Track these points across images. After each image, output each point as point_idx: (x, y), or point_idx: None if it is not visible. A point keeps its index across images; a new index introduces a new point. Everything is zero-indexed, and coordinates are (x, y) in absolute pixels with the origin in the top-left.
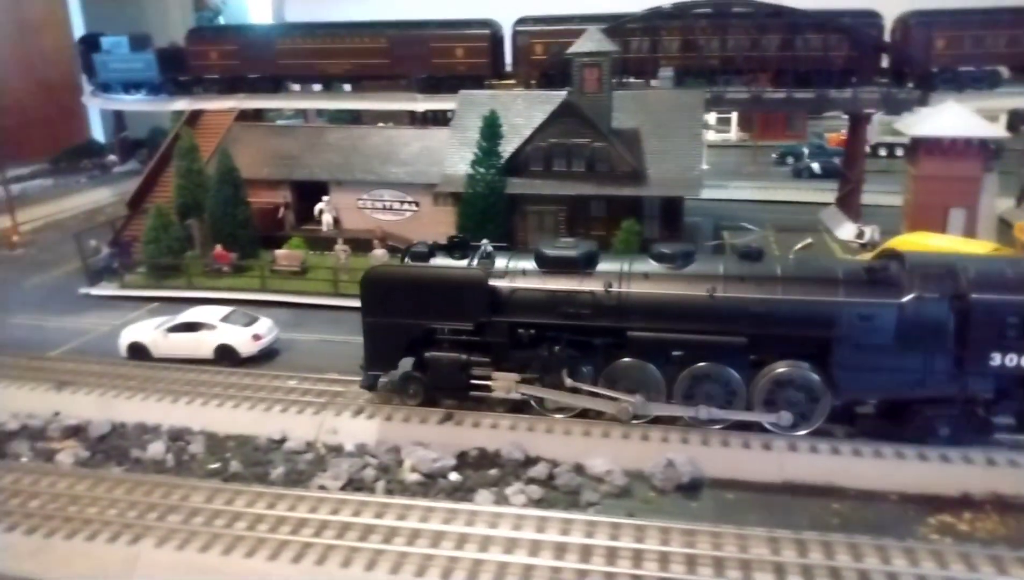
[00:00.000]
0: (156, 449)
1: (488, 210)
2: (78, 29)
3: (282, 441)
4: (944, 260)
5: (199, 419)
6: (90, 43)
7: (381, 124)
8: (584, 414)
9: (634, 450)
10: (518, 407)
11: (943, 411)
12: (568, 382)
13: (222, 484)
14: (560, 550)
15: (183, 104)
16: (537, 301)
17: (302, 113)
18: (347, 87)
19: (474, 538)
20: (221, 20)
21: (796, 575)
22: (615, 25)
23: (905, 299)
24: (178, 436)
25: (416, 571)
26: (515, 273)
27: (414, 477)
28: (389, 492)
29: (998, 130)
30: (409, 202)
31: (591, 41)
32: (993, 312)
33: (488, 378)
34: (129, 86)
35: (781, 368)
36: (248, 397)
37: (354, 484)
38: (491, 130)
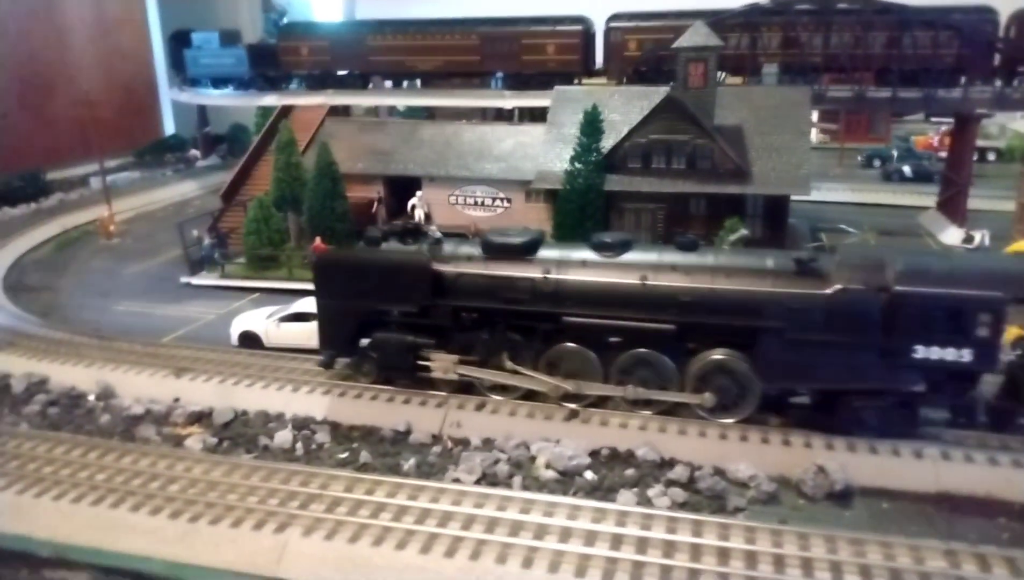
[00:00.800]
0: (283, 437)
1: (586, 207)
2: (154, 27)
3: (407, 433)
4: (876, 253)
5: (321, 408)
6: (180, 39)
7: (465, 120)
8: (530, 396)
9: (776, 455)
10: (464, 388)
11: (871, 402)
12: (508, 365)
13: (357, 474)
14: (723, 555)
15: (272, 99)
16: (480, 286)
17: (374, 109)
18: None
19: (629, 539)
20: (287, 21)
21: None
22: (714, 21)
23: (831, 290)
24: (303, 425)
25: (575, 571)
26: (460, 259)
27: (549, 474)
28: (525, 488)
29: None
30: (501, 198)
31: (698, 35)
32: (917, 305)
33: (429, 359)
34: (218, 81)
35: (711, 356)
36: (368, 388)
37: (488, 479)
38: (591, 126)
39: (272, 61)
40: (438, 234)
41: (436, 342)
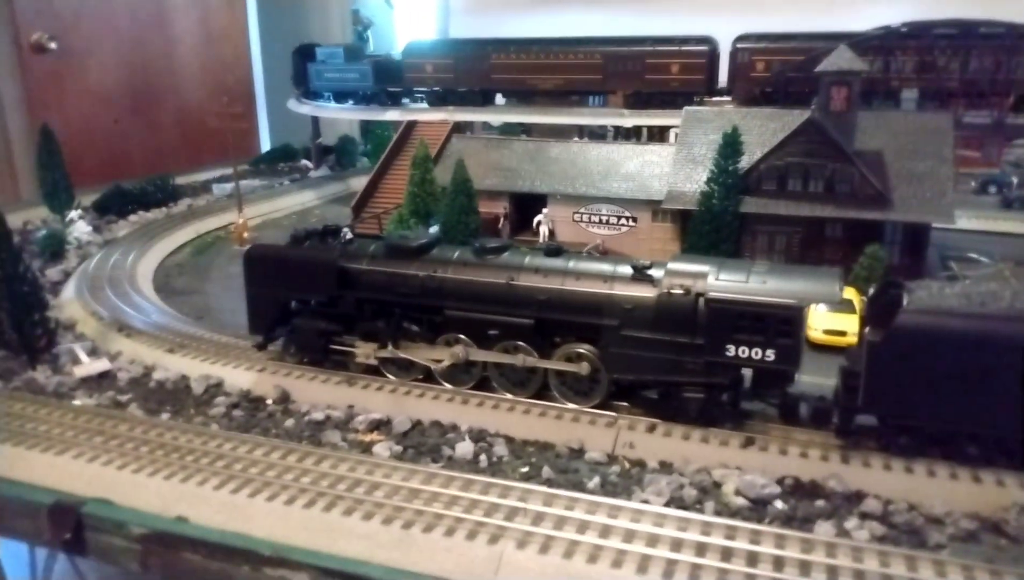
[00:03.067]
0: (464, 448)
1: (720, 229)
2: (254, 40)
3: (581, 451)
4: (698, 265)
5: (493, 422)
6: (305, 52)
7: (576, 138)
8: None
9: (965, 492)
10: (374, 371)
11: (694, 394)
12: (392, 350)
13: (552, 490)
14: None
15: (395, 115)
16: (378, 281)
17: (468, 125)
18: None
19: (844, 571)
20: (370, 35)
21: None
22: (847, 44)
23: (656, 294)
24: (479, 437)
25: None
26: (365, 256)
27: (740, 501)
28: (717, 514)
29: None
30: (627, 217)
31: (842, 59)
32: (726, 310)
33: (346, 345)
34: (339, 95)
35: (572, 348)
36: (537, 404)
37: (675, 502)
38: (731, 148)
39: (396, 77)
40: (350, 235)
41: (343, 328)
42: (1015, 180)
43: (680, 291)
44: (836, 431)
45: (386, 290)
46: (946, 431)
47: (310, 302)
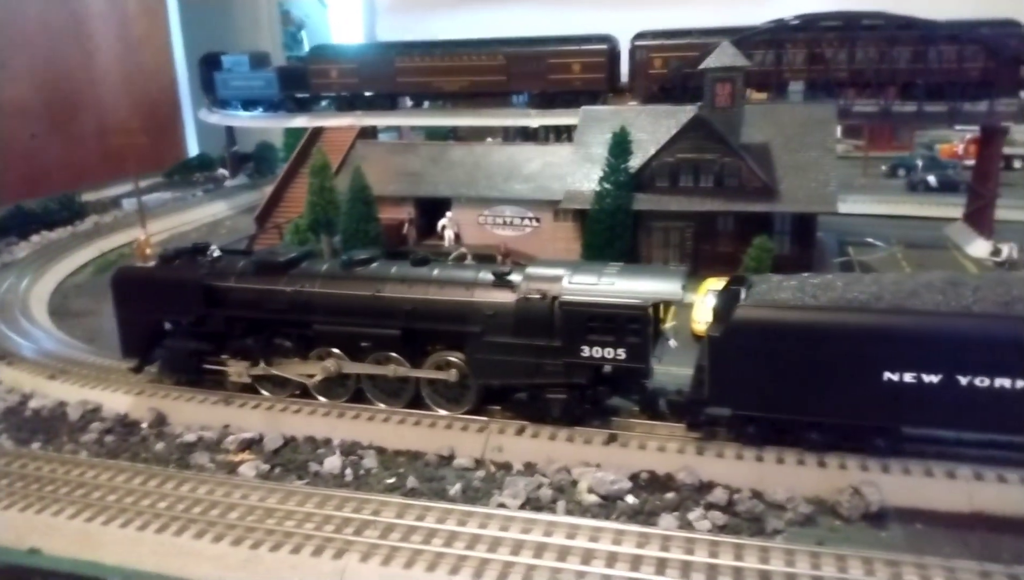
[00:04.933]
0: (332, 463)
1: (615, 227)
2: (177, 47)
3: (451, 458)
4: (555, 269)
5: (367, 434)
6: (210, 61)
7: (490, 139)
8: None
9: (810, 477)
10: (252, 389)
11: (556, 395)
12: (274, 364)
13: (407, 499)
14: (764, 578)
15: (302, 121)
16: (247, 298)
17: (397, 130)
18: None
19: (673, 563)
20: (304, 35)
21: None
22: (739, 39)
23: (514, 300)
24: (350, 451)
25: None
26: (233, 274)
27: (592, 499)
28: (569, 512)
29: None
30: (530, 218)
31: (725, 56)
32: (579, 313)
33: (220, 364)
34: (248, 103)
35: (437, 355)
36: (411, 413)
37: (532, 503)
38: (620, 147)
39: (301, 83)
40: (218, 252)
41: (215, 348)
42: (920, 163)
43: (537, 296)
44: (687, 425)
45: (254, 307)
46: (788, 420)
47: (177, 322)
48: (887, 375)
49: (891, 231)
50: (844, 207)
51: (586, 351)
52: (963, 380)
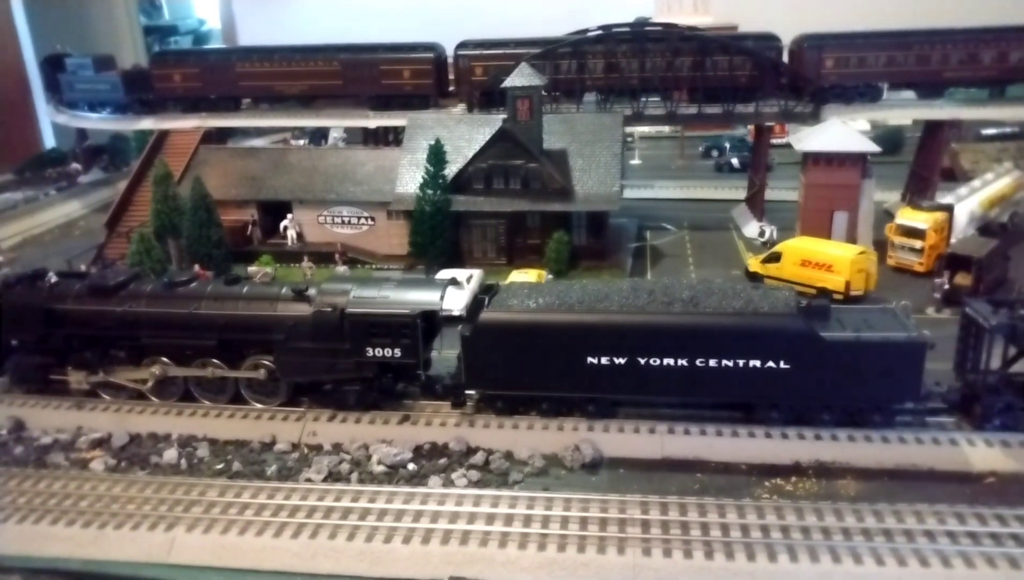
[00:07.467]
0: (170, 455)
1: (436, 226)
2: (24, 39)
3: (272, 444)
4: (343, 285)
5: (201, 427)
6: (54, 63)
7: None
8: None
9: (551, 438)
10: (98, 394)
11: (351, 387)
12: (102, 375)
13: (229, 481)
14: (490, 519)
15: (149, 123)
16: (82, 318)
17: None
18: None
19: (428, 513)
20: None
21: (657, 528)
22: (546, 51)
23: (311, 312)
24: (186, 443)
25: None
26: (70, 296)
27: (380, 468)
28: (361, 482)
29: (872, 145)
30: (366, 217)
31: (522, 76)
32: (360, 321)
33: (63, 374)
34: (95, 104)
35: (252, 359)
36: (239, 408)
37: (332, 476)
38: (436, 157)
39: (146, 86)
40: (54, 278)
41: (58, 360)
42: (727, 145)
43: (328, 309)
44: (451, 403)
45: (90, 325)
46: (524, 396)
47: (26, 340)
48: (589, 359)
49: (688, 214)
50: (651, 193)
51: (370, 351)
52: (641, 361)
